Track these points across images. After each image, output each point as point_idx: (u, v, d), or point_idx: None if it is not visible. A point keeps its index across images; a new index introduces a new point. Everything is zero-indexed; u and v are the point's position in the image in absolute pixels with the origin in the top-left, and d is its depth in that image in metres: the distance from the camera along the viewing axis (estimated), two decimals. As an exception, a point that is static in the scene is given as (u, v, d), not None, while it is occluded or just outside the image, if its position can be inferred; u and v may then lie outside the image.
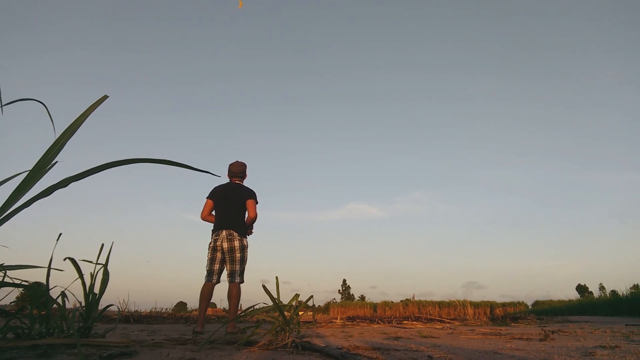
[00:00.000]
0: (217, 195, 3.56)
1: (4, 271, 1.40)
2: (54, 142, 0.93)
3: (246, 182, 3.79)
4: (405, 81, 71.02)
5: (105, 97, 1.01)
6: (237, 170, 3.71)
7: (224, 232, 3.41)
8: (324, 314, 21.28)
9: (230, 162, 3.74)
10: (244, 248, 3.45)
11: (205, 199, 3.60)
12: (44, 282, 1.91)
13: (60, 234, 1.96)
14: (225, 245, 3.37)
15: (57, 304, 2.00)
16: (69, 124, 0.95)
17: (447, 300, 18.53)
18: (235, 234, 3.42)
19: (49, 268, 1.84)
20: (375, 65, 71.44)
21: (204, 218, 3.59)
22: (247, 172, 3.79)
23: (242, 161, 3.77)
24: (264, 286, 2.09)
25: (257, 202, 3.61)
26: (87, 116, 0.96)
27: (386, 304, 21.39)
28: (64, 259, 2.03)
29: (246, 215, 3.59)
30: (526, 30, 66.93)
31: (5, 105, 1.00)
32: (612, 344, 2.24)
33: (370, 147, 71.75)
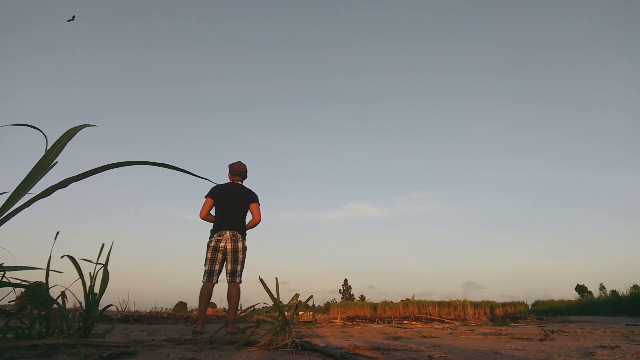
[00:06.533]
0: (219, 195, 3.55)
1: (3, 272, 1.39)
2: (54, 142, 0.94)
3: (246, 182, 3.79)
4: (405, 82, 71.11)
5: (94, 125, 1.06)
6: (240, 170, 3.70)
7: (228, 233, 3.39)
8: (324, 314, 21.26)
9: (231, 162, 3.73)
10: (245, 249, 3.46)
11: (205, 198, 3.57)
12: (44, 283, 1.91)
13: (58, 233, 1.96)
14: (229, 246, 3.36)
15: (57, 304, 2.00)
16: (65, 130, 0.95)
17: (447, 300, 18.50)
18: (239, 235, 3.43)
19: (48, 269, 1.84)
20: (375, 66, 71.50)
21: (203, 217, 3.55)
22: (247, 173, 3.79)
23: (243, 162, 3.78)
24: (262, 281, 2.08)
25: (259, 205, 3.62)
26: (73, 135, 0.98)
27: (386, 304, 21.34)
28: (62, 257, 2.03)
29: (247, 217, 3.59)
30: (525, 31, 66.90)
31: (3, 126, 1.02)
32: (612, 344, 2.24)
33: (371, 147, 71.88)
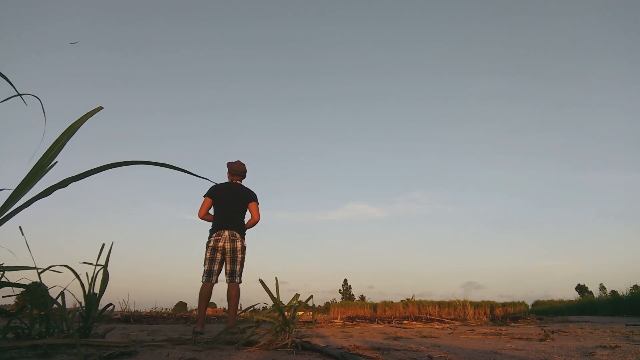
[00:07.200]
0: (217, 195, 3.54)
1: (2, 271, 1.39)
2: (54, 142, 0.93)
3: (245, 182, 3.78)
4: (405, 82, 71.16)
5: (100, 108, 1.04)
6: (240, 170, 3.69)
7: (227, 233, 3.38)
8: (324, 314, 21.24)
9: (230, 161, 3.72)
10: (244, 249, 3.44)
11: (203, 197, 3.56)
12: (44, 283, 1.91)
13: (20, 227, 1.85)
14: (227, 245, 3.35)
15: (57, 304, 2.00)
16: (65, 129, 0.95)
17: (447, 300, 18.48)
18: (237, 235, 3.41)
19: (37, 268, 1.82)
20: (375, 66, 71.55)
21: (202, 217, 3.55)
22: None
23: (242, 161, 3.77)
24: (261, 281, 2.08)
25: (258, 204, 3.61)
26: (81, 124, 0.97)
27: (386, 304, 21.33)
28: (61, 265, 1.99)
29: (247, 217, 3.58)
30: (525, 31, 66.97)
31: (2, 101, 1.01)
32: (612, 344, 2.24)
33: (371, 147, 71.95)
